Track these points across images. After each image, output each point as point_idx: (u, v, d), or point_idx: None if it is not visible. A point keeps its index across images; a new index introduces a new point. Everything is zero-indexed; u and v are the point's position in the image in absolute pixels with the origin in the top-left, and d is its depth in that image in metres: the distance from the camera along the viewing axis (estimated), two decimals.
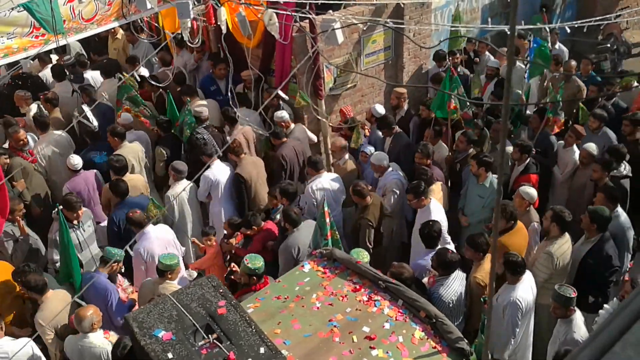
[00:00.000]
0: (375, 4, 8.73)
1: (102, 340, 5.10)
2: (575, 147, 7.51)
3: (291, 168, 7.73)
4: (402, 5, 8.70)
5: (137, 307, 5.78)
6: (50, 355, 5.47)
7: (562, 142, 7.71)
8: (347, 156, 7.74)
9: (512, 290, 5.27)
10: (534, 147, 7.42)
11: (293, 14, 6.69)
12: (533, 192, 6.40)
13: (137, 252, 6.26)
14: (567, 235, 5.88)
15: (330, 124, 8.66)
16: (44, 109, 8.38)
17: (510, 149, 7.25)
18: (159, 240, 6.40)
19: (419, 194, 6.27)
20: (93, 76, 9.68)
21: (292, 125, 8.19)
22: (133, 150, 7.71)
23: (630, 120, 7.47)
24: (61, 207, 6.00)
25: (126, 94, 8.28)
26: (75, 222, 6.47)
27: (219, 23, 6.65)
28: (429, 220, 5.99)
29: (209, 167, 7.21)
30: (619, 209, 6.17)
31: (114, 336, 5.21)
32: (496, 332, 5.32)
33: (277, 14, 6.58)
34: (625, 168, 6.84)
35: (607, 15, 8.87)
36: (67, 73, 9.34)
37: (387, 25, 6.63)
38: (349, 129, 8.19)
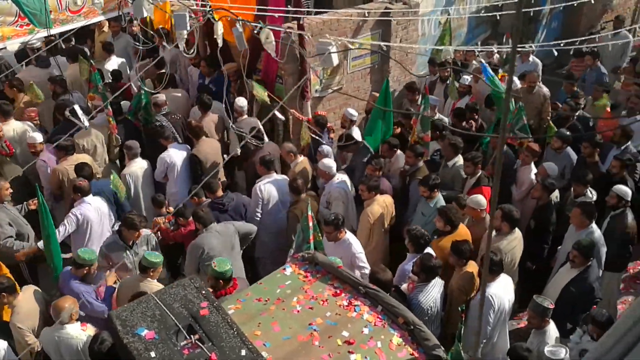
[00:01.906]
0: (364, 8, 8.83)
1: (79, 332, 5.11)
2: (532, 165, 7.62)
3: None
4: (390, 16, 8.75)
5: (114, 303, 5.81)
6: (21, 353, 5.44)
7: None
8: (300, 159, 7.76)
9: (486, 287, 5.42)
10: (492, 165, 7.50)
11: (282, 29, 6.78)
12: (481, 199, 6.55)
13: (73, 215, 6.69)
14: (516, 232, 6.13)
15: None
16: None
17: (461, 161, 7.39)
18: (95, 210, 6.80)
19: (339, 227, 6.18)
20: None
21: (245, 117, 8.38)
22: (96, 132, 7.99)
23: (590, 142, 7.51)
24: (121, 225, 6.23)
25: (98, 84, 8.19)
26: (130, 242, 6.27)
27: (215, 37, 6.74)
28: (415, 226, 6.14)
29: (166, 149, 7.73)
30: (594, 225, 6.30)
31: (91, 328, 5.22)
32: (469, 329, 5.49)
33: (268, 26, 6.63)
34: (592, 194, 6.89)
35: (583, 38, 9.05)
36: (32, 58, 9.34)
37: (377, 50, 6.68)
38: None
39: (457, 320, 5.40)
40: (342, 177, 7.37)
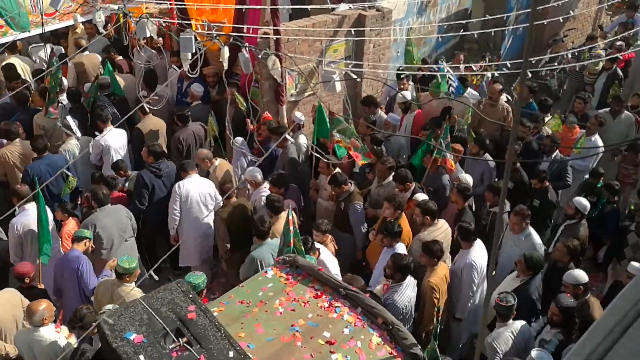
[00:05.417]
0: (338, 14, 9.01)
1: (52, 334, 5.15)
2: (458, 165, 7.82)
3: (187, 150, 8.14)
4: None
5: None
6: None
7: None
8: (217, 162, 7.75)
9: (467, 254, 6.06)
10: (425, 186, 7.48)
11: (273, 52, 7.00)
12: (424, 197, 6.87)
13: (13, 225, 6.56)
14: (439, 223, 6.51)
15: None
16: None
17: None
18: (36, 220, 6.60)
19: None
20: None
21: (199, 102, 8.69)
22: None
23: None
24: None
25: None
26: None
27: (220, 60, 6.99)
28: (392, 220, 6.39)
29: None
30: (530, 228, 6.58)
31: (65, 330, 5.28)
32: (455, 295, 6.08)
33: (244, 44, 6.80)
34: (507, 205, 7.01)
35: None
36: None
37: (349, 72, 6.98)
38: None
39: (431, 319, 5.65)
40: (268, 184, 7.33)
